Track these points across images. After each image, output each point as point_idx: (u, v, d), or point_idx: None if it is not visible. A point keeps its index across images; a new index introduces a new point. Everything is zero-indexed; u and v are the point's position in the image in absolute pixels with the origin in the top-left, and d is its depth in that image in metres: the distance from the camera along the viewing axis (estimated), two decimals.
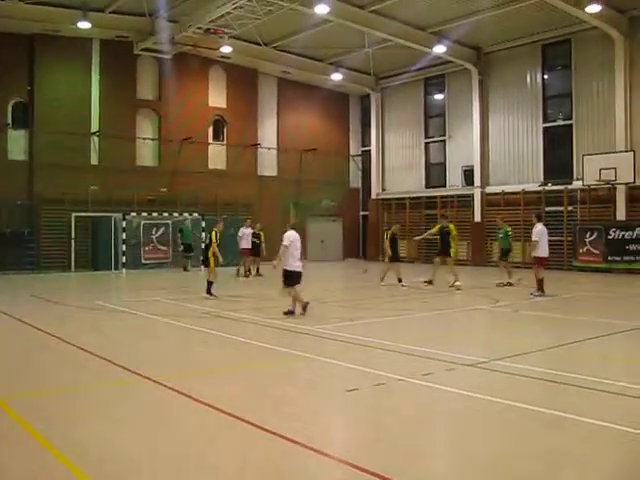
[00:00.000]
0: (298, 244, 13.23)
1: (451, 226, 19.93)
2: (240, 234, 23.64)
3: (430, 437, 6.04)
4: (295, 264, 13.15)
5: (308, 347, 9.97)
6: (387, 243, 19.96)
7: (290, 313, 13.18)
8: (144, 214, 27.43)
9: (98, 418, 6.40)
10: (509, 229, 20.75)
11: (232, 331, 11.62)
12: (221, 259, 16.69)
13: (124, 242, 26.33)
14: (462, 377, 8.03)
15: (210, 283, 16.50)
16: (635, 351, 9.99)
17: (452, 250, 19.82)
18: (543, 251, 16.71)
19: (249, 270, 23.56)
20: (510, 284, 19.25)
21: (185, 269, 26.77)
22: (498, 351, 9.52)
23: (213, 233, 16.83)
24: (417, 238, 23.52)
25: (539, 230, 16.74)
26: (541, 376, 7.89)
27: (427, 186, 33.21)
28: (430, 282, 19.65)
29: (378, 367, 8.37)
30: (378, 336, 10.72)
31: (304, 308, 13.15)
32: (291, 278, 13.17)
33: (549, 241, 17.41)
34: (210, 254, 16.62)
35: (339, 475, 4.95)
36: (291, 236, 13.17)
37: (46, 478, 4.89)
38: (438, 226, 20.40)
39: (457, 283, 18.72)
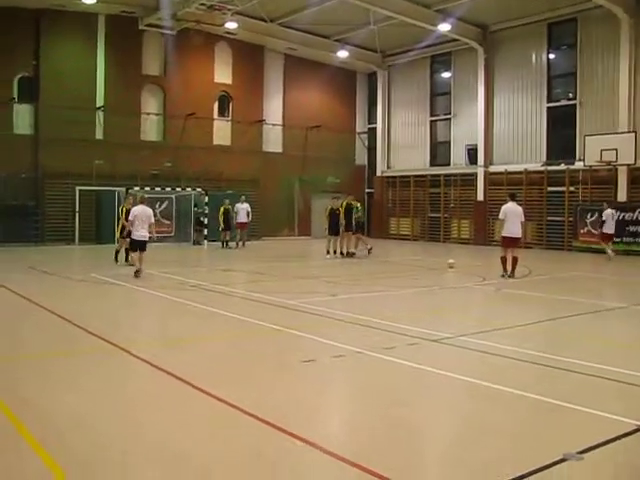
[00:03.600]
0: (144, 217, 15.59)
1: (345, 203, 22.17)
2: (236, 209, 25.97)
3: (357, 404, 6.19)
4: (137, 233, 15.52)
5: (280, 320, 10.14)
6: (342, 214, 21.59)
7: (137, 272, 15.32)
8: (147, 188, 27.56)
9: (62, 384, 6.68)
10: (359, 205, 23.17)
11: (213, 303, 11.86)
12: (125, 233, 17.63)
13: None
14: (421, 351, 8.23)
15: (117, 252, 18.64)
16: (597, 331, 10.16)
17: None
18: (505, 231, 16.13)
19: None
20: (353, 253, 21.95)
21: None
22: (466, 328, 9.70)
23: (122, 209, 18.39)
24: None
25: (504, 208, 16.26)
26: (497, 352, 8.05)
27: (432, 164, 33.18)
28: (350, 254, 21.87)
29: (343, 340, 8.57)
30: (354, 311, 10.90)
31: (136, 273, 15.25)
32: (134, 244, 15.74)
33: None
34: (119, 228, 18.70)
35: (273, 441, 5.18)
36: (136, 210, 15.62)
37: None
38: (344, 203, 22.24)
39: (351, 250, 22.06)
